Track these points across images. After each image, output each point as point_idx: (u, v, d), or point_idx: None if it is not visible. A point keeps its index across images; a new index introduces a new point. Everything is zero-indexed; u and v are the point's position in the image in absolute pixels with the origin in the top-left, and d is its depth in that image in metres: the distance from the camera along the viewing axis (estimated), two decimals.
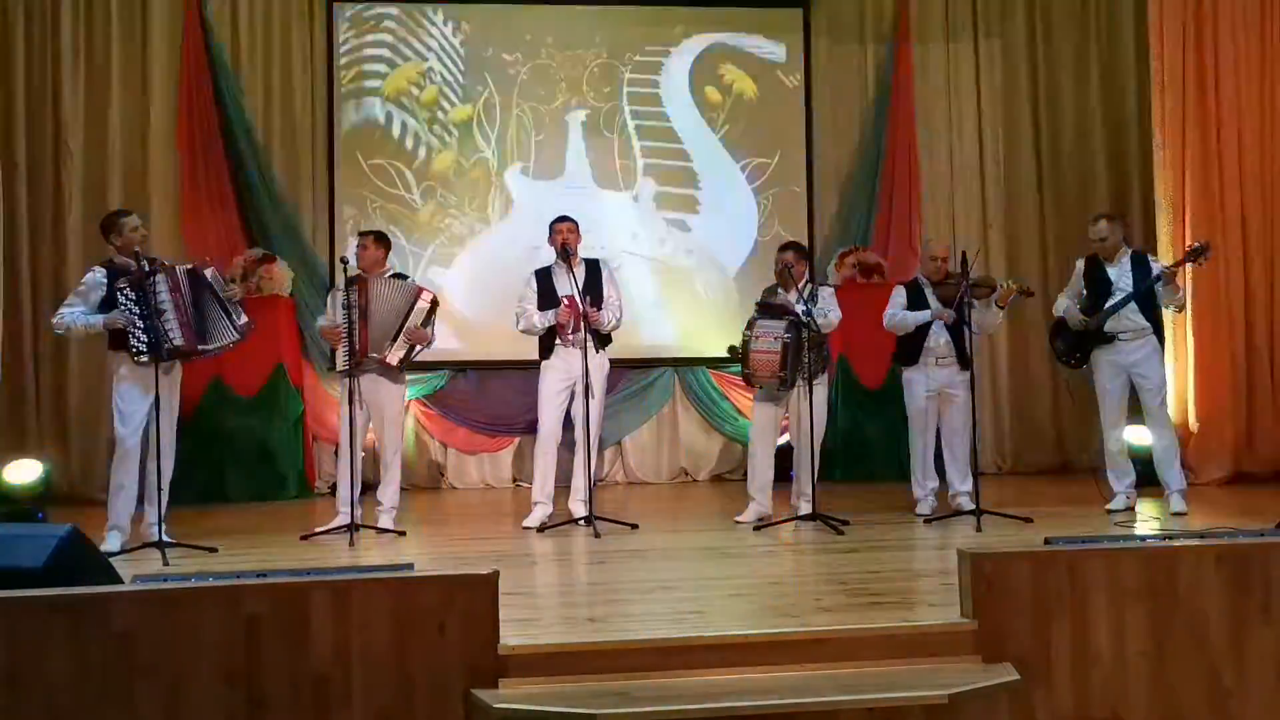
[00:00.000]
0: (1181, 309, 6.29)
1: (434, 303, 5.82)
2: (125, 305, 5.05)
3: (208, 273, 5.36)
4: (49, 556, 3.21)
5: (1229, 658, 3.38)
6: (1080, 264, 6.05)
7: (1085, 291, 5.96)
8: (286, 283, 7.59)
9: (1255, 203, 7.41)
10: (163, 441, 5.21)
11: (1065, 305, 6.03)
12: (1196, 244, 5.93)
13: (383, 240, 5.92)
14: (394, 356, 5.68)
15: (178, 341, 5.09)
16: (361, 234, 6.03)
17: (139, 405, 5.19)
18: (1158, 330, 5.90)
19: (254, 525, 6.13)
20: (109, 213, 5.63)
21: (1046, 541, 3.58)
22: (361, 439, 5.75)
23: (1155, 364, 5.86)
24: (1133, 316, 5.81)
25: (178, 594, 3.08)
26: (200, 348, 5.22)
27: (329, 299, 5.96)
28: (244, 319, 5.38)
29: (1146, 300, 5.80)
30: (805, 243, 8.05)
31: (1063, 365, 6.14)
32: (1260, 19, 7.42)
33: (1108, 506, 5.82)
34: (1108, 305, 5.81)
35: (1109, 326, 5.82)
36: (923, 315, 5.90)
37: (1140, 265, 5.88)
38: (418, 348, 5.79)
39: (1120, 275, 5.86)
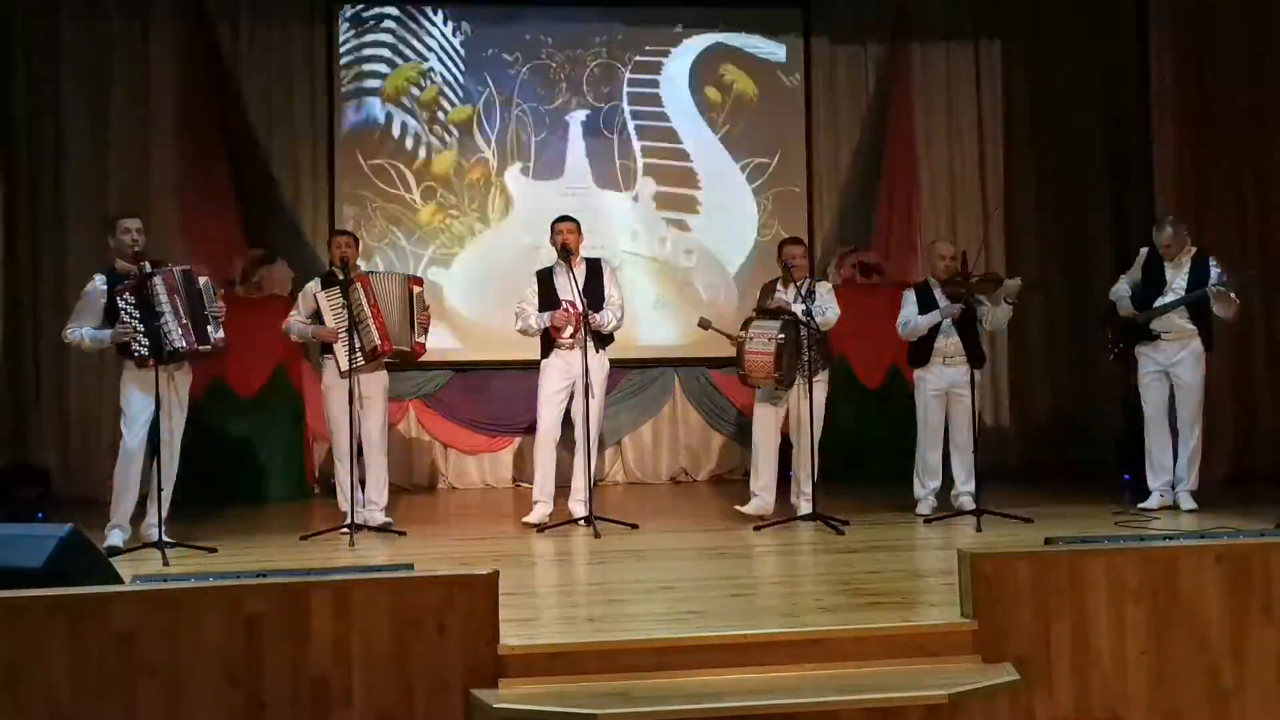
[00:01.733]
0: (1233, 317, 5.97)
1: (421, 284, 5.98)
2: (126, 312, 5.08)
3: (202, 280, 5.38)
4: (49, 556, 3.22)
5: (1229, 658, 3.38)
6: (1144, 252, 6.05)
7: (1140, 283, 5.97)
8: (287, 283, 7.58)
9: (1255, 201, 7.41)
10: (164, 443, 5.22)
11: (1123, 291, 6.04)
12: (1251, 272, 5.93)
13: (356, 238, 6.11)
14: (421, 339, 5.85)
15: (179, 344, 5.10)
16: (340, 233, 6.08)
17: (141, 407, 5.20)
18: (1207, 334, 5.88)
19: (254, 525, 6.12)
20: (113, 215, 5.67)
21: (1046, 541, 3.59)
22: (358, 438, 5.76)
23: (1193, 367, 5.87)
24: (1178, 320, 5.84)
25: (178, 594, 3.08)
26: (200, 348, 5.23)
27: (301, 300, 5.92)
28: (220, 334, 5.34)
29: (1197, 304, 5.81)
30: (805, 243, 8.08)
31: (1106, 351, 6.16)
32: (1260, 19, 7.41)
33: (1141, 505, 5.86)
34: (1156, 304, 5.84)
35: (1155, 325, 5.85)
36: (933, 316, 5.91)
37: (1200, 268, 5.87)
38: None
39: (1176, 276, 5.87)
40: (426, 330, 5.92)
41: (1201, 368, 5.91)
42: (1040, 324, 8.08)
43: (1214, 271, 5.85)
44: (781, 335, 5.57)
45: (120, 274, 5.22)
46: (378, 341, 5.62)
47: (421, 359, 6.18)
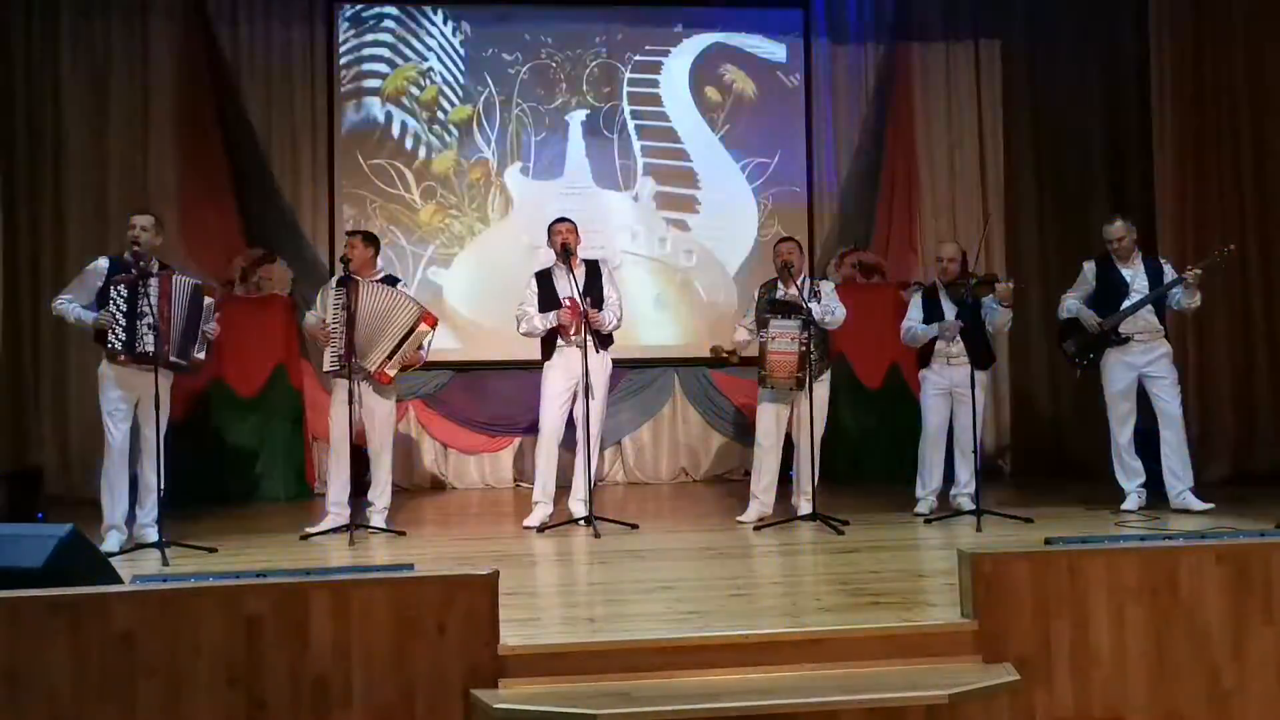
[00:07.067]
0: (1192, 311, 6.06)
1: (434, 326, 5.78)
2: (115, 300, 5.11)
3: (207, 301, 5.43)
4: (49, 556, 3.21)
5: (1229, 658, 3.38)
6: (1089, 266, 6.02)
7: (1097, 293, 5.94)
8: (286, 283, 7.59)
9: (1254, 202, 7.41)
10: (149, 442, 5.22)
11: (1076, 306, 5.98)
12: (1229, 248, 5.83)
13: (371, 240, 5.86)
14: (390, 370, 5.62)
15: (149, 347, 5.08)
16: (349, 234, 6.04)
17: (119, 404, 5.23)
18: (1166, 331, 5.91)
19: (254, 525, 6.12)
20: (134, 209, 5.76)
21: (1046, 541, 3.58)
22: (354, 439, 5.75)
23: (1169, 364, 5.87)
24: (1148, 317, 5.83)
25: (178, 594, 3.08)
26: (172, 360, 5.23)
27: (319, 296, 5.91)
28: (202, 355, 5.42)
29: (1158, 301, 5.82)
30: (805, 243, 8.08)
31: (1073, 367, 6.04)
32: (1260, 18, 7.41)
33: (1122, 507, 5.80)
34: (1125, 306, 5.81)
35: (1124, 328, 5.82)
36: (931, 330, 5.96)
37: (1152, 266, 5.90)
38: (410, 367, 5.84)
39: (1135, 276, 5.86)
40: (407, 368, 5.76)
41: (1173, 363, 5.92)
42: (1040, 323, 8.08)
43: (1165, 267, 5.90)
44: (805, 335, 5.60)
45: (124, 264, 5.24)
46: (341, 350, 5.53)
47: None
